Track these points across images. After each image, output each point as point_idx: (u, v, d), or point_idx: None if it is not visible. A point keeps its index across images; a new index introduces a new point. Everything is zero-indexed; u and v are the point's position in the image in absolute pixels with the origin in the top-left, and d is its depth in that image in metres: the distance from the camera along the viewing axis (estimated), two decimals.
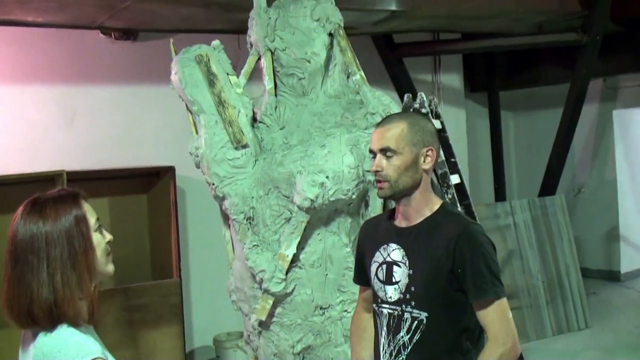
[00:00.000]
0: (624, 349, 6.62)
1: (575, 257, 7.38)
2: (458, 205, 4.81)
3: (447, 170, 4.84)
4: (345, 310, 3.50)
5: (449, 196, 4.82)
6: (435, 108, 4.99)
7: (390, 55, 7.60)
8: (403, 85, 7.54)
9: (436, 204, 2.55)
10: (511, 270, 6.94)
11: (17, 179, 5.24)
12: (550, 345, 6.82)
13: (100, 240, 2.01)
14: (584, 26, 7.02)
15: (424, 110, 4.78)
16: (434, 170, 4.31)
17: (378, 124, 2.60)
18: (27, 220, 1.92)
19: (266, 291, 3.47)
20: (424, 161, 2.49)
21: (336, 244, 3.51)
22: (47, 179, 5.22)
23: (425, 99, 4.85)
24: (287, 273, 3.44)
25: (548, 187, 7.71)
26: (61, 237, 1.91)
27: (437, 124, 4.93)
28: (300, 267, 3.48)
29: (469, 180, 8.52)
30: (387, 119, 2.60)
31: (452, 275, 2.40)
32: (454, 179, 4.92)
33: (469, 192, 5.15)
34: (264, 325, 3.61)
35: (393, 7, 5.82)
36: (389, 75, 7.69)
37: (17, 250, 1.91)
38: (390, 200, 2.75)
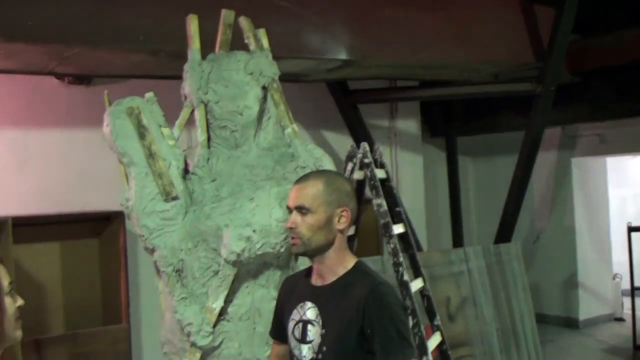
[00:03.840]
0: None
1: (530, 305, 7.38)
2: (400, 255, 4.81)
3: (390, 219, 4.85)
4: None
5: (392, 246, 4.82)
6: (380, 157, 5.01)
7: (344, 102, 7.60)
8: (358, 131, 7.56)
9: (350, 262, 2.56)
10: (465, 318, 6.91)
11: None
12: None
13: (10, 303, 2.01)
14: (539, 77, 7.09)
15: (366, 160, 4.81)
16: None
17: (296, 181, 2.61)
18: None
19: (194, 344, 3.45)
20: (339, 221, 2.51)
21: (265, 297, 3.49)
22: None
23: (367, 148, 4.88)
24: (214, 326, 3.42)
25: (504, 234, 7.65)
26: None
27: (381, 173, 4.95)
28: (228, 321, 3.46)
29: (427, 227, 8.54)
30: (305, 177, 2.61)
31: (361, 336, 2.40)
32: (397, 229, 4.92)
33: (413, 241, 5.16)
34: None
35: (343, 56, 5.88)
36: (344, 121, 7.72)
37: None
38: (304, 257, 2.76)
